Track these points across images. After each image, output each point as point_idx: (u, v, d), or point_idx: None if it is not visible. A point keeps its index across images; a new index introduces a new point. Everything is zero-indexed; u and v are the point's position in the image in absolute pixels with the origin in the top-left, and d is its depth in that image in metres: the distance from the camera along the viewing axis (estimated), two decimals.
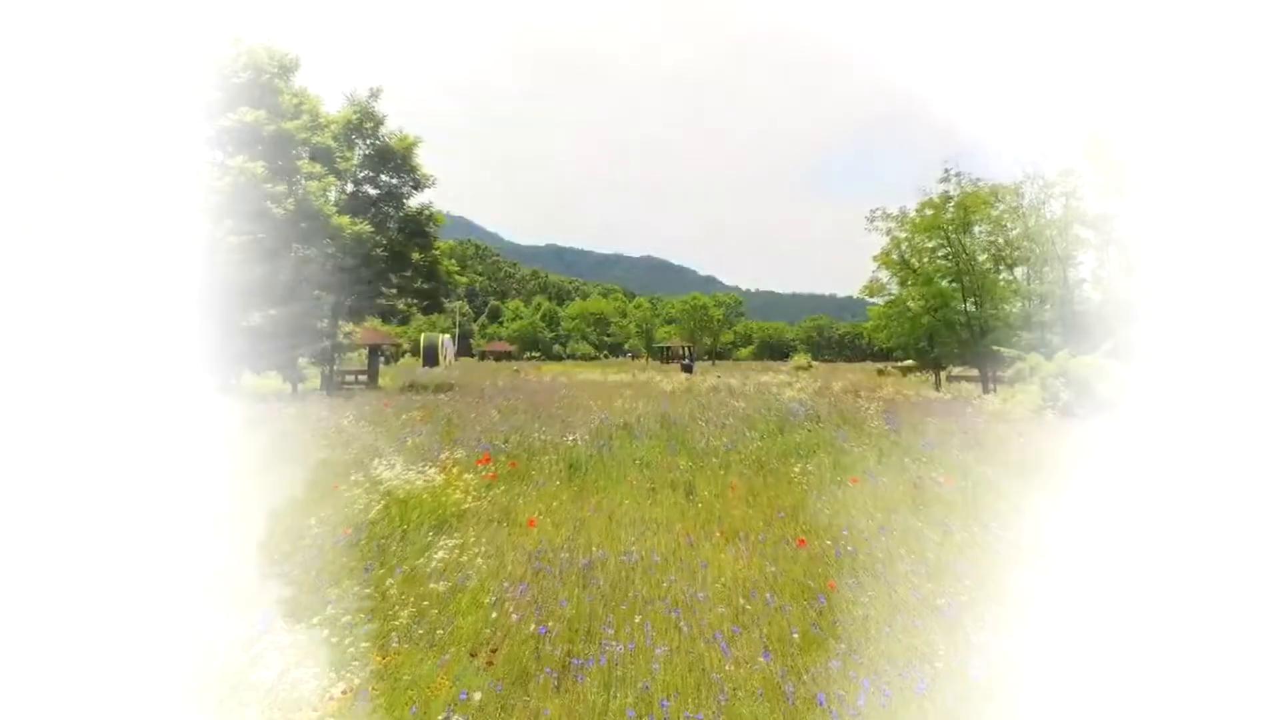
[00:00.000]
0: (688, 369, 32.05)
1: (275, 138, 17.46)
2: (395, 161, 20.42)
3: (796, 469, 6.83)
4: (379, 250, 19.92)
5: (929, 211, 21.36)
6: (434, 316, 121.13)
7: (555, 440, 8.24)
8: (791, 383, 24.26)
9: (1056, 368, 13.37)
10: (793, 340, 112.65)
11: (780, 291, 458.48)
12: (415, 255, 20.00)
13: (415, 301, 21.51)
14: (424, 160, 20.67)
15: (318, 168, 18.94)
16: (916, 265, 22.21)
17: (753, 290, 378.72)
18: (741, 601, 3.74)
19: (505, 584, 3.90)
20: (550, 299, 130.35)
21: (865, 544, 4.60)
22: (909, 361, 60.23)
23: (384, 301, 20.32)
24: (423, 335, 42.99)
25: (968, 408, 13.55)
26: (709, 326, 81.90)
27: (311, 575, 3.79)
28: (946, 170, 21.19)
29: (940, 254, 21.85)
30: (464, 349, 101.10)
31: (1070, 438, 9.12)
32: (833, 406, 11.90)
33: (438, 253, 20.54)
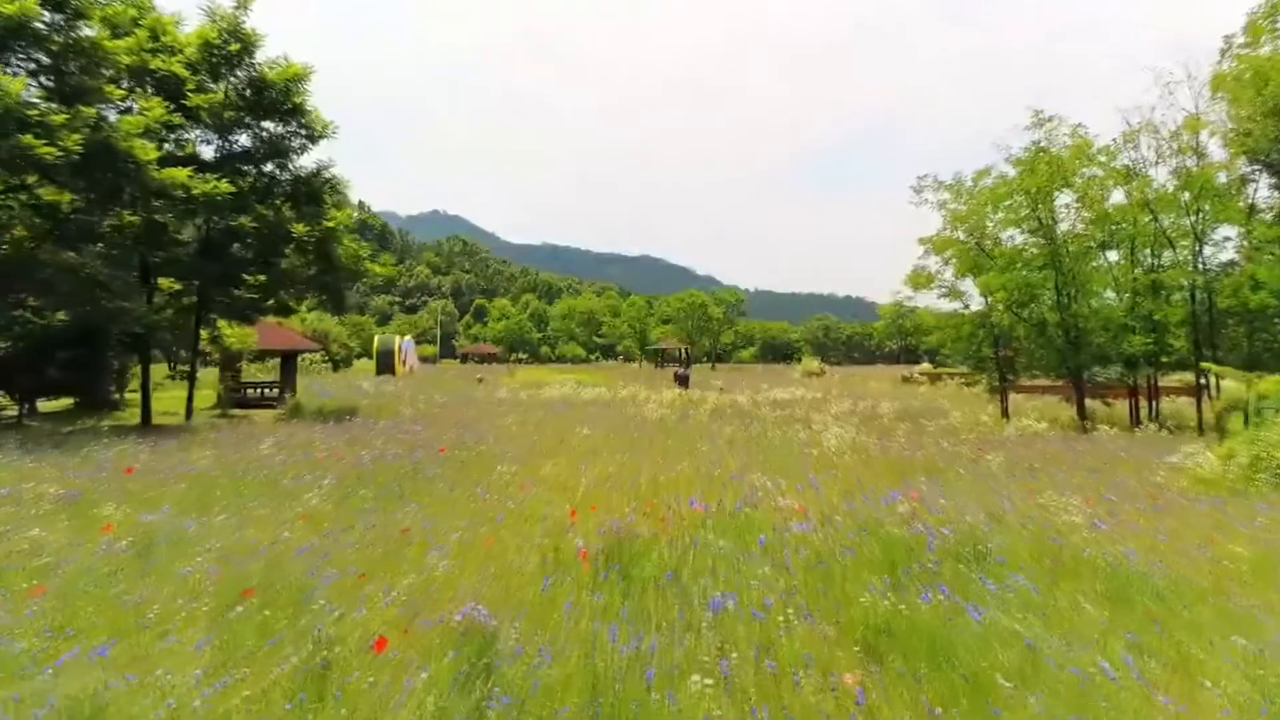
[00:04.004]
0: (683, 380, 26.33)
1: (66, 51, 11.76)
2: (275, 101, 14.67)
3: None
4: (247, 222, 14.19)
5: (1012, 169, 15.66)
6: (415, 316, 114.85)
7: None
8: (821, 401, 18.58)
9: None
10: (797, 341, 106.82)
11: (779, 291, 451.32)
12: (299, 229, 14.22)
13: (307, 293, 15.78)
14: (314, 100, 14.90)
15: (153, 102, 13.24)
16: (989, 248, 16.48)
17: (752, 290, 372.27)
18: None
19: None
20: (540, 297, 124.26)
21: None
22: (925, 365, 54.26)
23: (245, 293, 14.47)
24: (376, 338, 37.15)
25: (1154, 474, 7.88)
26: (708, 327, 75.66)
27: None
28: (1037, 113, 15.42)
29: (1023, 230, 16.13)
30: (447, 351, 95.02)
31: None
32: (956, 482, 6.23)
33: (331, 226, 14.72)
